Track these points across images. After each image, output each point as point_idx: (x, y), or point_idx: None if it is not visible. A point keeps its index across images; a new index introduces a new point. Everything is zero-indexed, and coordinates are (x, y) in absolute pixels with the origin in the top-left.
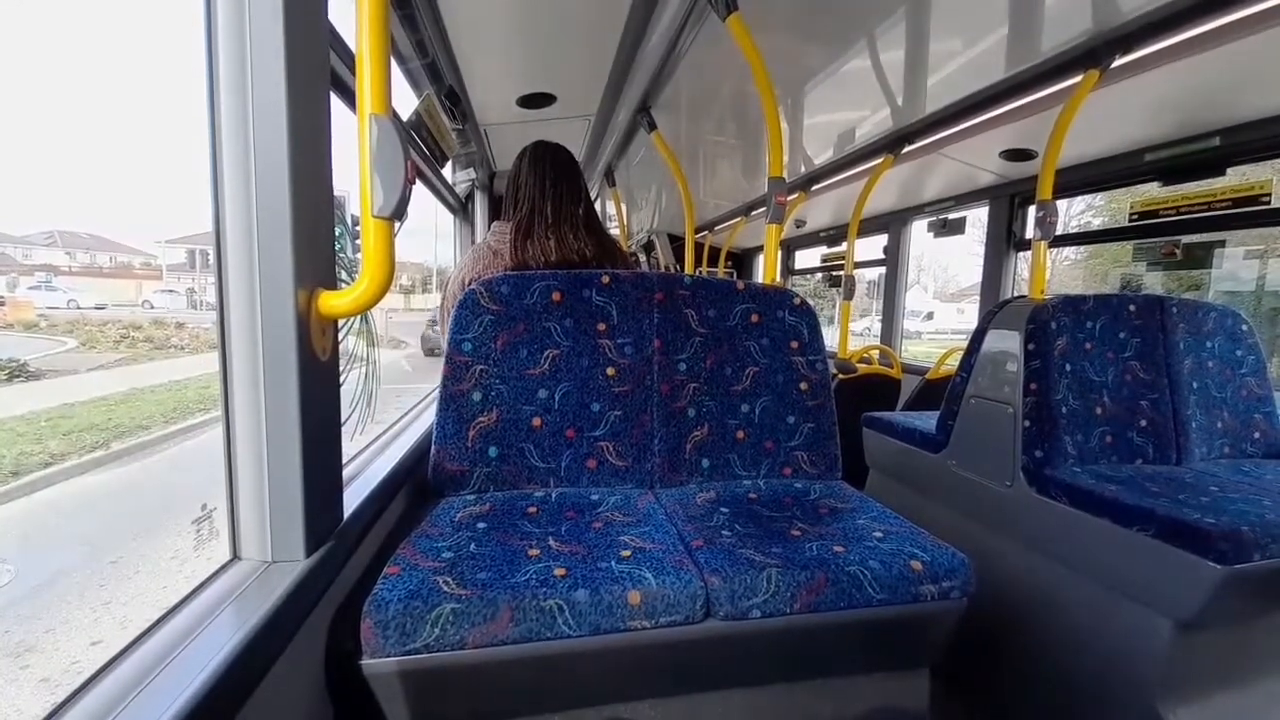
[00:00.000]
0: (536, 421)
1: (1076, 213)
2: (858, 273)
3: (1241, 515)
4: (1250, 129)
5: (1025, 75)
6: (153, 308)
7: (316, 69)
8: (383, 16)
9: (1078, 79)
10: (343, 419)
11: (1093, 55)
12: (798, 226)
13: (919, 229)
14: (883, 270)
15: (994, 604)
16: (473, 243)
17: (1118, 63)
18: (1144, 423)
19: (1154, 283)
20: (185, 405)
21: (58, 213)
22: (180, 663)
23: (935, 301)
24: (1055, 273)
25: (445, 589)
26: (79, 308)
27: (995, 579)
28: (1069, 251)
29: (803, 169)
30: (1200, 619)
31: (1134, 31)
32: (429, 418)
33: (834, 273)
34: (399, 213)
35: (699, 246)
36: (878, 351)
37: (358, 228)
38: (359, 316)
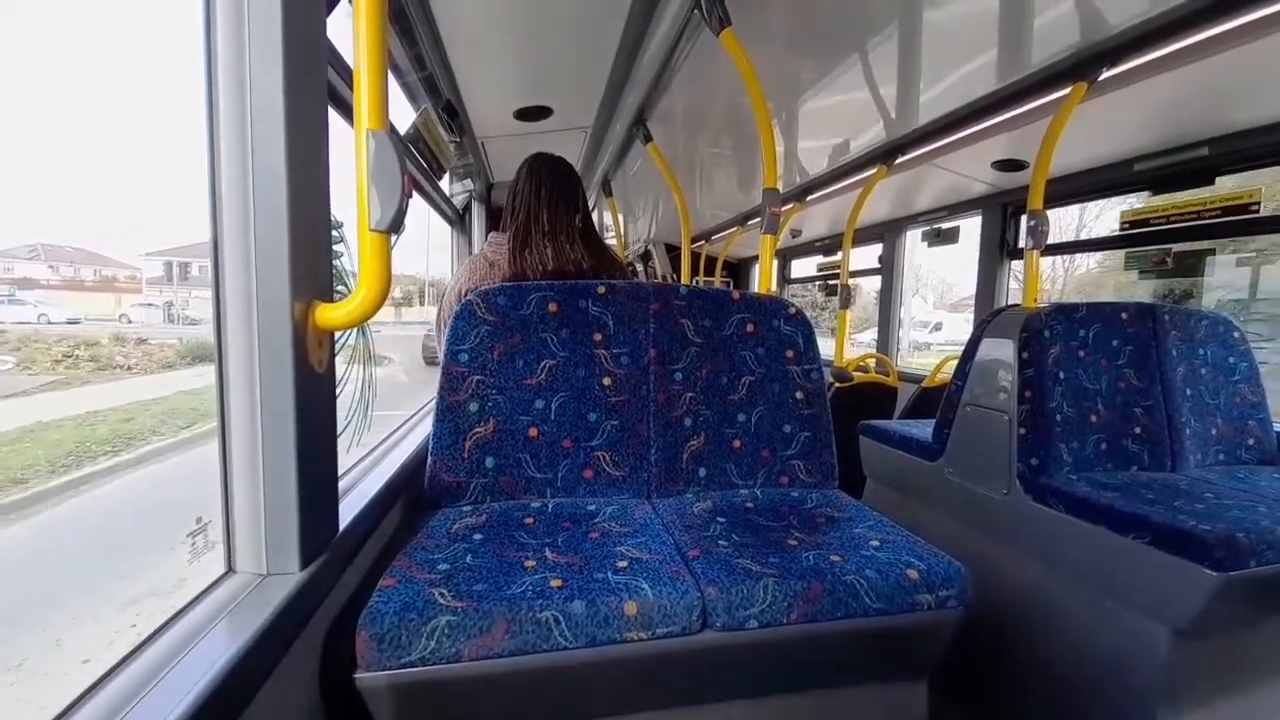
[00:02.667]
0: (533, 432)
1: (1091, 218)
2: (861, 283)
3: (1236, 522)
4: (1238, 139)
5: (1015, 88)
6: (130, 322)
7: (314, 85)
8: (380, 35)
9: (1066, 91)
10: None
11: (1080, 68)
12: (793, 236)
13: (914, 238)
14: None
15: (991, 612)
16: (470, 254)
17: (1105, 75)
18: (1138, 430)
19: (1193, 294)
20: (86, 447)
21: (44, 226)
22: (173, 678)
23: (943, 312)
24: (1069, 282)
25: (441, 601)
26: (50, 322)
27: (992, 587)
28: (1083, 261)
29: (798, 180)
30: (1197, 626)
31: (1120, 45)
32: (425, 428)
33: (830, 282)
34: (396, 226)
35: (695, 256)
36: (874, 360)
37: (337, 232)
38: (356, 332)
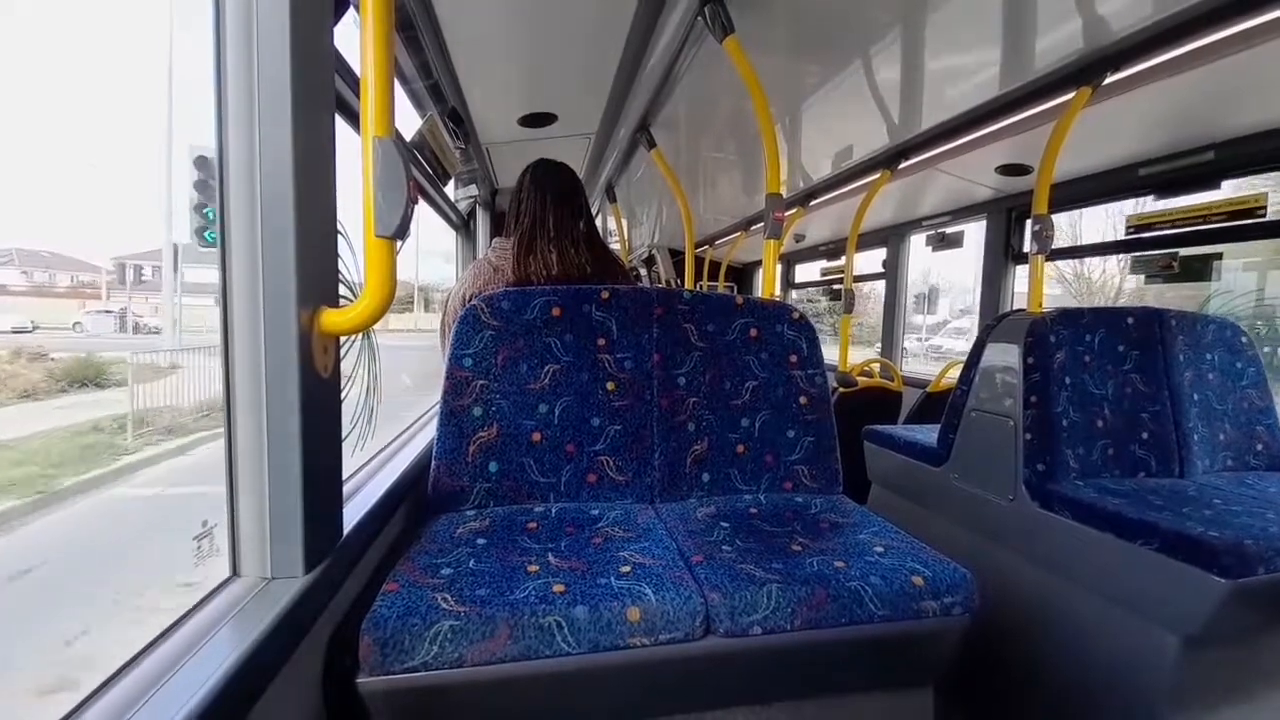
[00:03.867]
0: (536, 436)
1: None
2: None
3: (1245, 528)
4: (1243, 143)
5: (1019, 93)
6: (84, 330)
7: (321, 93)
8: (387, 43)
9: (1070, 96)
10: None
11: (1084, 73)
12: (797, 241)
13: (918, 243)
14: (920, 287)
15: (997, 619)
16: (474, 259)
17: (1109, 80)
18: (1145, 435)
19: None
20: None
21: (28, 230)
22: (178, 681)
23: (977, 319)
24: (1127, 288)
25: (444, 606)
26: None
27: (998, 594)
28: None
29: (801, 184)
30: (1206, 633)
31: (1124, 50)
32: (430, 433)
33: (834, 286)
34: (401, 232)
35: (699, 261)
36: (878, 365)
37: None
38: (361, 337)
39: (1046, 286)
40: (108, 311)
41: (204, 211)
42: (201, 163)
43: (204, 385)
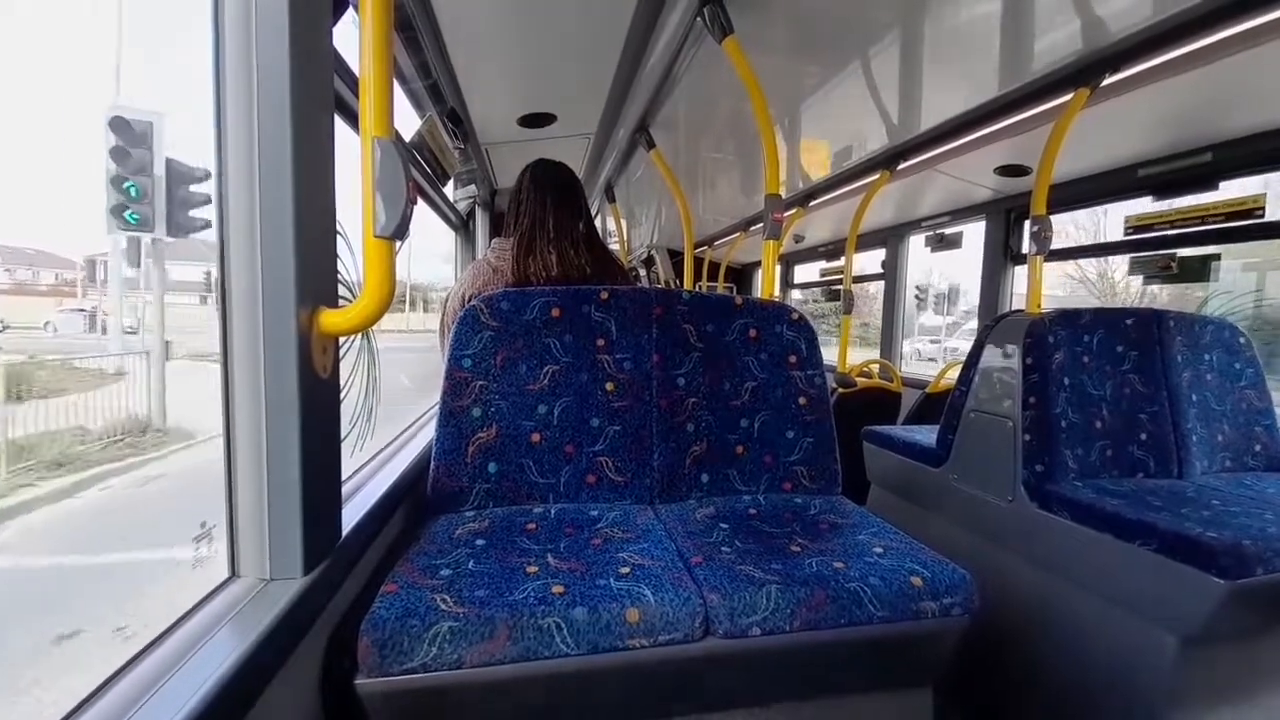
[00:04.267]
0: (536, 437)
1: None
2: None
3: (1243, 529)
4: (1242, 144)
5: (1017, 94)
6: (55, 329)
7: (320, 93)
8: (386, 43)
9: (1069, 97)
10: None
11: (1083, 74)
12: (796, 241)
13: (917, 243)
14: (939, 287)
15: (996, 620)
16: (473, 259)
17: (1107, 81)
18: (1144, 436)
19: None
20: None
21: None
22: (176, 683)
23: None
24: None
25: (443, 607)
26: None
27: (997, 594)
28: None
29: (800, 185)
30: (1204, 634)
31: (1123, 51)
32: (429, 434)
33: (834, 287)
34: (400, 233)
35: (698, 261)
36: (878, 366)
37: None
38: (360, 338)
39: (1066, 287)
40: (80, 310)
41: (124, 186)
42: (120, 125)
43: (139, 398)
